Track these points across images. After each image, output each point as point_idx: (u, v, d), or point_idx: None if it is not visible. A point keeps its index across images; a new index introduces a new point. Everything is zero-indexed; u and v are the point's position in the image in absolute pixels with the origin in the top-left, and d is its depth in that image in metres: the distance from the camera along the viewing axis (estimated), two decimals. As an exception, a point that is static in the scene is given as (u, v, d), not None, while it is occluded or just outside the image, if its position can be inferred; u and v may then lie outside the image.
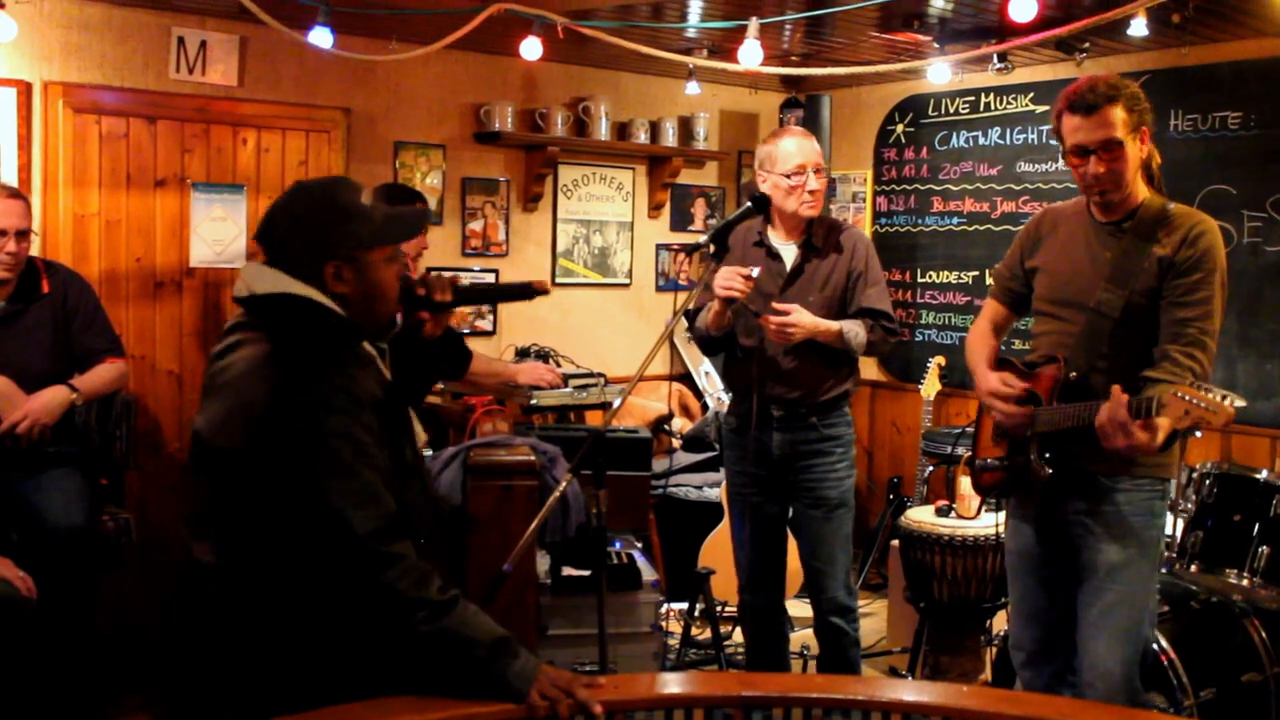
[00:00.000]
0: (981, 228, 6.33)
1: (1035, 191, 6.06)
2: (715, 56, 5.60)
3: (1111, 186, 3.05)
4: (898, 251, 6.70)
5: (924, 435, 5.84)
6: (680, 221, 6.98)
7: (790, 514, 4.15)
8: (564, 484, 3.14)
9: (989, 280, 6.11)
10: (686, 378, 6.86)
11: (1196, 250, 3.00)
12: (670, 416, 6.38)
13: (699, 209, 7.04)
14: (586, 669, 2.88)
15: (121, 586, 4.69)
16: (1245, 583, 4.02)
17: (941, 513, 4.84)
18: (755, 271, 3.84)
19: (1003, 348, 3.48)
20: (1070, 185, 5.80)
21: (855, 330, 3.91)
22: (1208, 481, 4.16)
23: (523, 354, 5.81)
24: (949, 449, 5.63)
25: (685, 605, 5.07)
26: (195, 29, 5.15)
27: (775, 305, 3.85)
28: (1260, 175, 5.20)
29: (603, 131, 6.35)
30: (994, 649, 4.26)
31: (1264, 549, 4.00)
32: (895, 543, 5.11)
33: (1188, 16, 4.69)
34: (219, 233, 5.30)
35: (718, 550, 5.43)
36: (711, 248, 3.72)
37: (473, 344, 3.90)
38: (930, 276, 6.60)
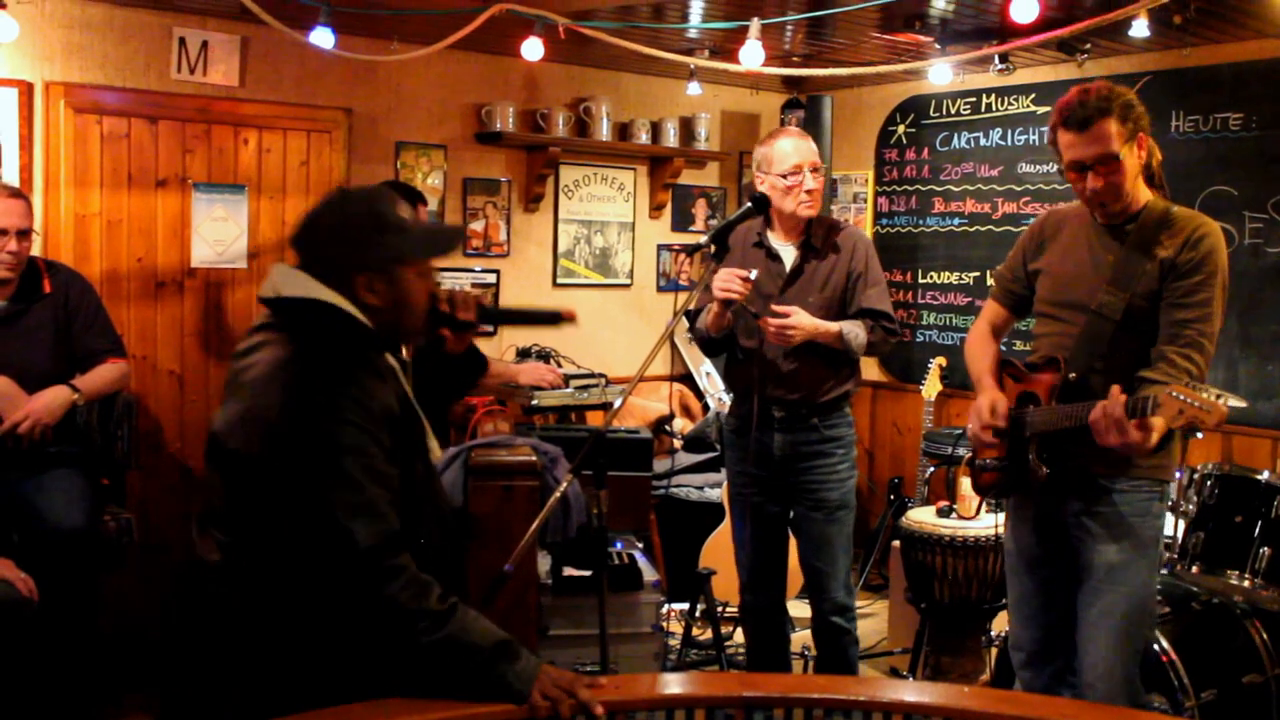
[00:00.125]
0: (983, 228, 6.33)
1: (1036, 192, 6.06)
2: (716, 57, 5.60)
3: (1110, 199, 3.05)
4: (899, 252, 6.70)
5: (925, 436, 5.84)
6: (681, 222, 6.98)
7: (791, 515, 4.15)
8: (565, 484, 3.14)
9: (990, 281, 6.11)
10: (687, 378, 6.86)
11: (1198, 253, 2.99)
12: (671, 417, 6.38)
13: (700, 209, 7.05)
14: (587, 669, 2.88)
15: (122, 587, 4.70)
16: (1246, 584, 4.02)
17: (942, 514, 4.84)
18: (753, 273, 3.84)
19: (1003, 348, 3.48)
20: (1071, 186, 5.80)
21: (855, 331, 3.91)
22: (1209, 483, 4.16)
23: (524, 354, 5.82)
24: (950, 450, 5.63)
25: (686, 606, 5.07)
26: (197, 29, 5.15)
27: (774, 307, 3.85)
28: (1261, 176, 5.20)
29: (604, 132, 6.35)
30: (995, 650, 4.26)
31: (1265, 550, 4.00)
32: (896, 543, 5.11)
33: (1189, 18, 4.69)
34: (220, 233, 5.30)
35: (719, 551, 5.43)
36: (712, 248, 3.72)
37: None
38: (931, 277, 6.60)
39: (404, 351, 2.62)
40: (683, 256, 6.89)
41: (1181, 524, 4.21)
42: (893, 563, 5.32)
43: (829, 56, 5.87)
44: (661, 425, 6.30)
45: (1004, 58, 5.43)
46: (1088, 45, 5.40)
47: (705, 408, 6.69)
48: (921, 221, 6.64)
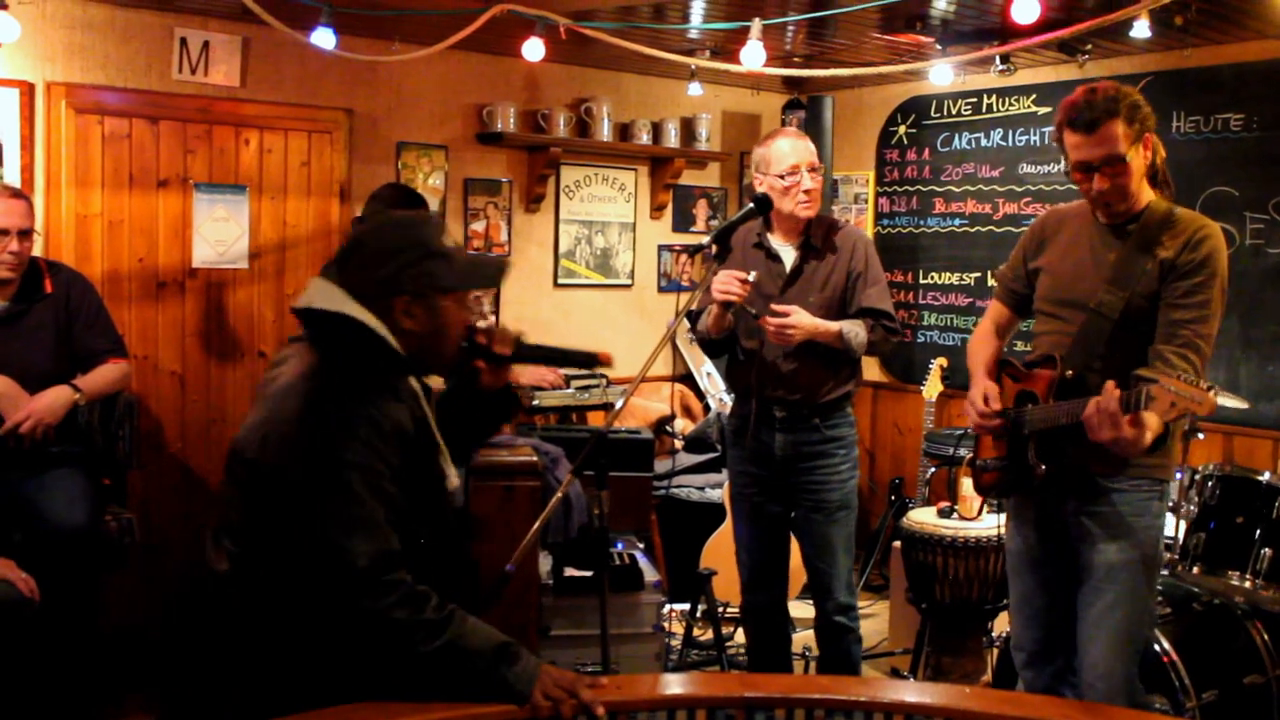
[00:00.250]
0: (983, 229, 6.33)
1: (1037, 193, 6.06)
2: (717, 58, 5.60)
3: (1117, 199, 3.05)
4: (900, 253, 6.70)
5: (926, 436, 5.84)
6: (682, 222, 6.98)
7: (793, 515, 4.15)
8: (566, 484, 3.15)
9: (991, 281, 6.11)
10: (688, 379, 6.86)
11: (1198, 254, 3.00)
12: (672, 417, 6.39)
13: (701, 210, 7.05)
14: (589, 669, 2.89)
15: (123, 587, 4.70)
16: (1247, 585, 4.02)
17: (944, 514, 4.84)
18: (752, 275, 3.84)
19: (1005, 348, 3.49)
20: (1072, 187, 5.76)
21: (855, 330, 3.91)
22: (1210, 483, 4.16)
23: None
24: (951, 450, 5.63)
25: (687, 606, 5.07)
26: (198, 30, 5.15)
27: (774, 307, 3.85)
28: (1262, 177, 5.20)
29: (605, 132, 6.36)
30: (996, 650, 4.26)
31: (1266, 551, 3.99)
32: (897, 544, 5.11)
33: (1190, 19, 4.69)
34: (221, 233, 5.30)
35: (720, 551, 5.43)
36: (714, 249, 3.73)
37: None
38: (932, 278, 6.60)
39: (435, 381, 2.61)
40: (684, 257, 6.90)
41: (1183, 525, 4.21)
42: (894, 563, 5.32)
43: (830, 57, 5.87)
44: (662, 426, 6.30)
45: (1005, 58, 5.43)
46: (1089, 46, 5.40)
47: (706, 408, 6.69)
48: (922, 222, 6.64)
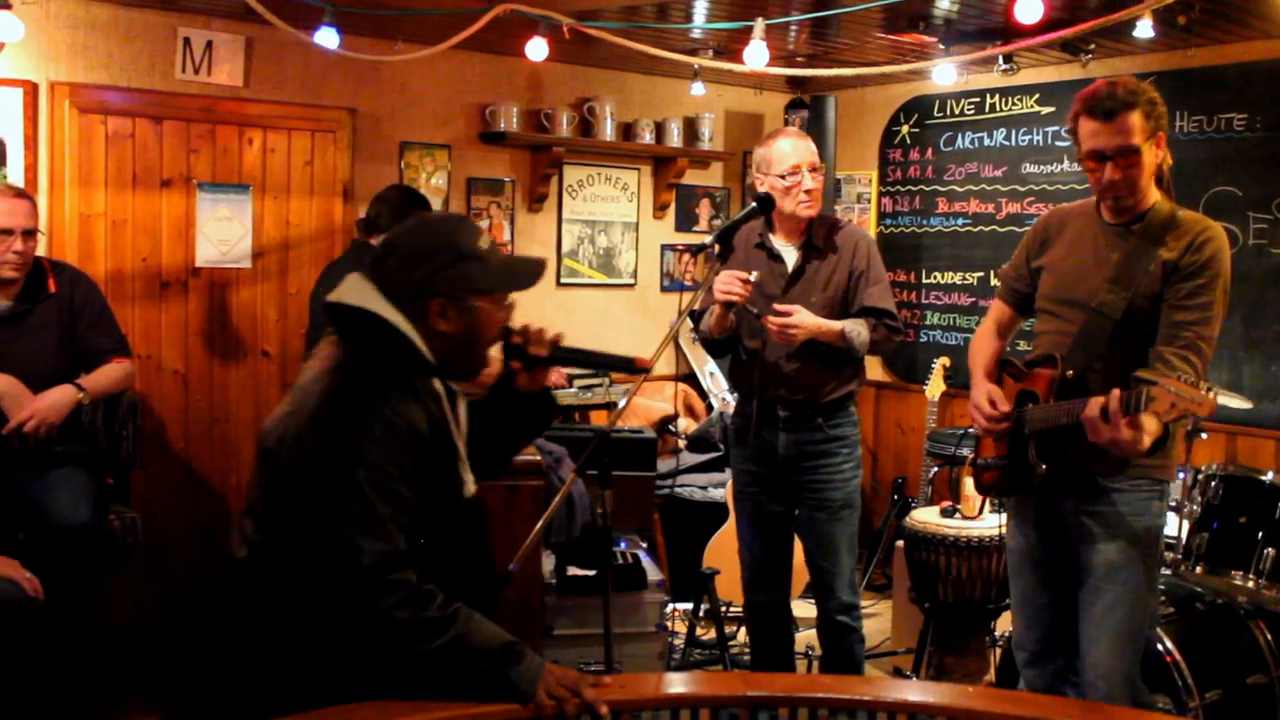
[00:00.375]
0: (986, 229, 6.33)
1: (1040, 193, 6.05)
2: (721, 57, 5.60)
3: (1126, 192, 3.05)
4: (902, 252, 6.70)
5: (929, 436, 5.83)
6: (685, 222, 6.98)
7: (796, 514, 4.15)
8: (570, 484, 3.15)
9: (994, 281, 6.11)
10: (691, 378, 6.86)
11: (1201, 256, 3.00)
12: (675, 417, 6.39)
13: (704, 209, 7.05)
14: (592, 669, 2.89)
15: (126, 586, 4.70)
16: (1250, 584, 4.01)
17: (946, 514, 4.84)
18: (754, 275, 3.85)
19: (1008, 348, 3.49)
20: (1075, 186, 5.81)
21: (858, 330, 3.91)
22: (1213, 483, 4.16)
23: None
24: (953, 450, 5.63)
25: (690, 605, 5.07)
26: (201, 29, 5.16)
27: (777, 307, 3.85)
28: (1266, 177, 5.20)
29: (608, 132, 6.36)
30: (999, 650, 4.26)
31: (1269, 551, 3.99)
32: (900, 543, 5.11)
33: (1194, 18, 4.68)
34: (225, 233, 5.31)
35: (722, 550, 5.43)
36: (716, 248, 3.73)
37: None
38: (935, 277, 6.60)
39: (471, 386, 2.59)
40: (686, 256, 6.90)
41: (1186, 524, 4.20)
42: (896, 563, 5.32)
43: (833, 57, 5.87)
44: (665, 425, 6.31)
45: (1008, 58, 5.43)
46: (1092, 46, 5.39)
47: (709, 407, 6.69)
48: (925, 222, 6.63)
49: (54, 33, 4.84)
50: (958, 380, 5.87)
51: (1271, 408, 5.16)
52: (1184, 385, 2.67)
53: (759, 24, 4.47)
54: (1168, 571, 4.13)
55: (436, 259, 2.36)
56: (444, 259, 2.36)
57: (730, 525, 5.43)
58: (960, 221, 6.46)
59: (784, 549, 4.21)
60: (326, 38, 4.61)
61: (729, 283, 3.82)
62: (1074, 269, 3.20)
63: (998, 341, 3.47)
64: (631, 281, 6.78)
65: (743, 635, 4.99)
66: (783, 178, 3.91)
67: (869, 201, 6.90)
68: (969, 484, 4.69)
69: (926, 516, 4.88)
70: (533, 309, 6.22)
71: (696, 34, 5.43)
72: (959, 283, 6.48)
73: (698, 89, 5.88)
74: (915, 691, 2.66)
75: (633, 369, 2.73)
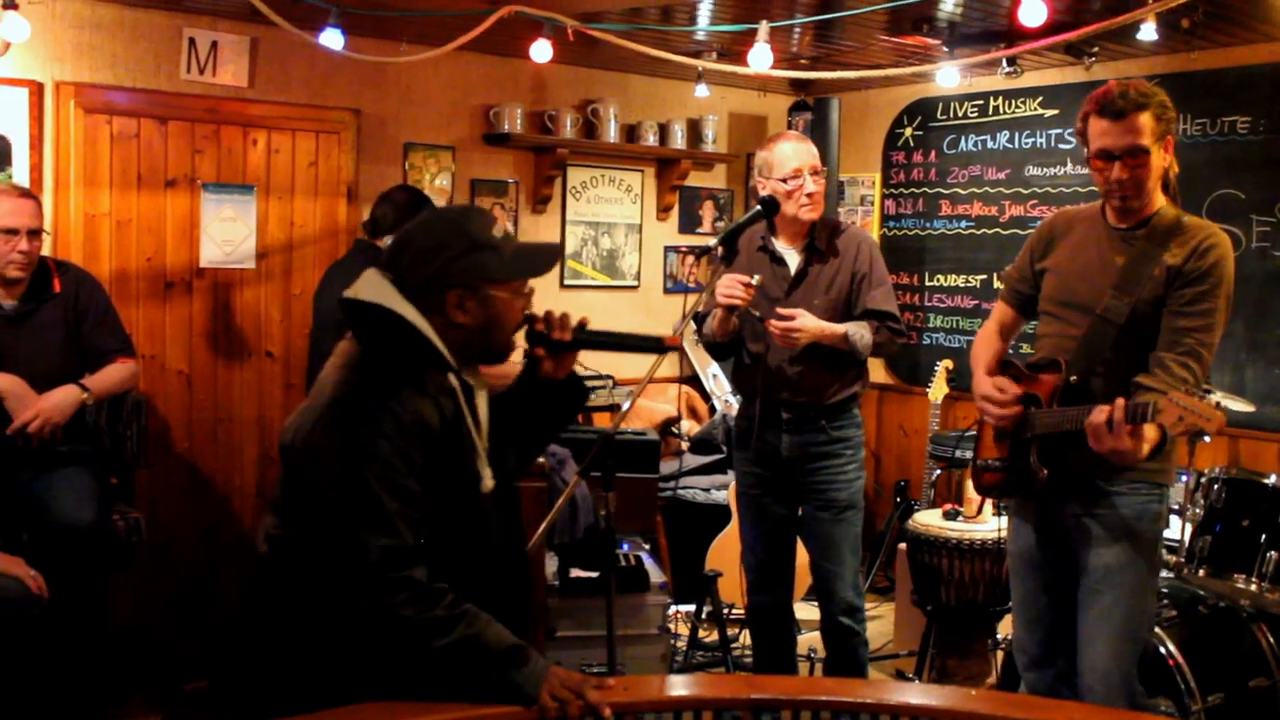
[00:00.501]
0: (989, 231, 6.33)
1: (1044, 195, 6.05)
2: (724, 59, 5.61)
3: (1133, 193, 3.06)
4: (905, 255, 6.70)
5: (931, 439, 5.84)
6: (689, 224, 6.99)
7: (799, 515, 4.15)
8: (573, 486, 3.15)
9: (997, 284, 6.11)
10: (694, 380, 6.86)
11: (1205, 262, 3.01)
12: (678, 419, 6.39)
13: (707, 211, 7.05)
14: (594, 670, 2.89)
15: (128, 586, 4.71)
16: (1253, 588, 4.01)
17: (949, 516, 4.84)
18: (756, 279, 3.85)
19: (1010, 350, 3.49)
20: (1078, 189, 5.81)
21: (861, 332, 3.91)
22: (1216, 486, 4.16)
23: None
24: (956, 452, 5.63)
25: (692, 607, 5.07)
26: (206, 30, 5.16)
27: (780, 310, 3.85)
28: (1268, 180, 5.20)
29: (611, 134, 6.36)
30: (1001, 653, 4.26)
31: (1272, 554, 3.99)
32: (902, 546, 5.11)
33: (1197, 21, 4.68)
34: (229, 233, 5.31)
35: (725, 552, 5.44)
36: (720, 251, 3.74)
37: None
38: (938, 280, 6.60)
39: (496, 382, 2.58)
40: (690, 258, 6.90)
41: (1188, 527, 4.20)
42: (899, 565, 5.32)
43: (837, 59, 5.87)
44: (668, 427, 6.31)
45: (1011, 61, 5.43)
46: (1095, 49, 5.39)
47: (712, 409, 6.69)
48: (928, 224, 6.64)
49: (60, 33, 4.84)
50: (960, 383, 5.88)
51: (1274, 411, 5.16)
52: (1194, 400, 2.68)
53: (763, 26, 4.48)
54: (1170, 574, 4.13)
55: (450, 250, 2.35)
56: (458, 250, 2.35)
57: (733, 527, 5.43)
58: (963, 224, 6.46)
59: (787, 551, 4.22)
60: (331, 39, 4.62)
61: (731, 287, 3.82)
62: (1078, 272, 3.21)
63: (999, 343, 3.47)
64: (635, 283, 6.78)
65: (745, 638, 4.99)
66: (784, 181, 3.92)
67: (872, 204, 6.90)
68: (971, 486, 4.69)
69: (929, 519, 4.88)
70: (536, 310, 6.22)
71: (700, 36, 5.43)
72: (962, 285, 6.48)
73: (702, 91, 5.89)
74: (917, 694, 2.66)
75: (662, 347, 2.70)
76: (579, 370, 2.72)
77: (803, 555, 4.21)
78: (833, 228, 4.07)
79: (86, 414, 4.11)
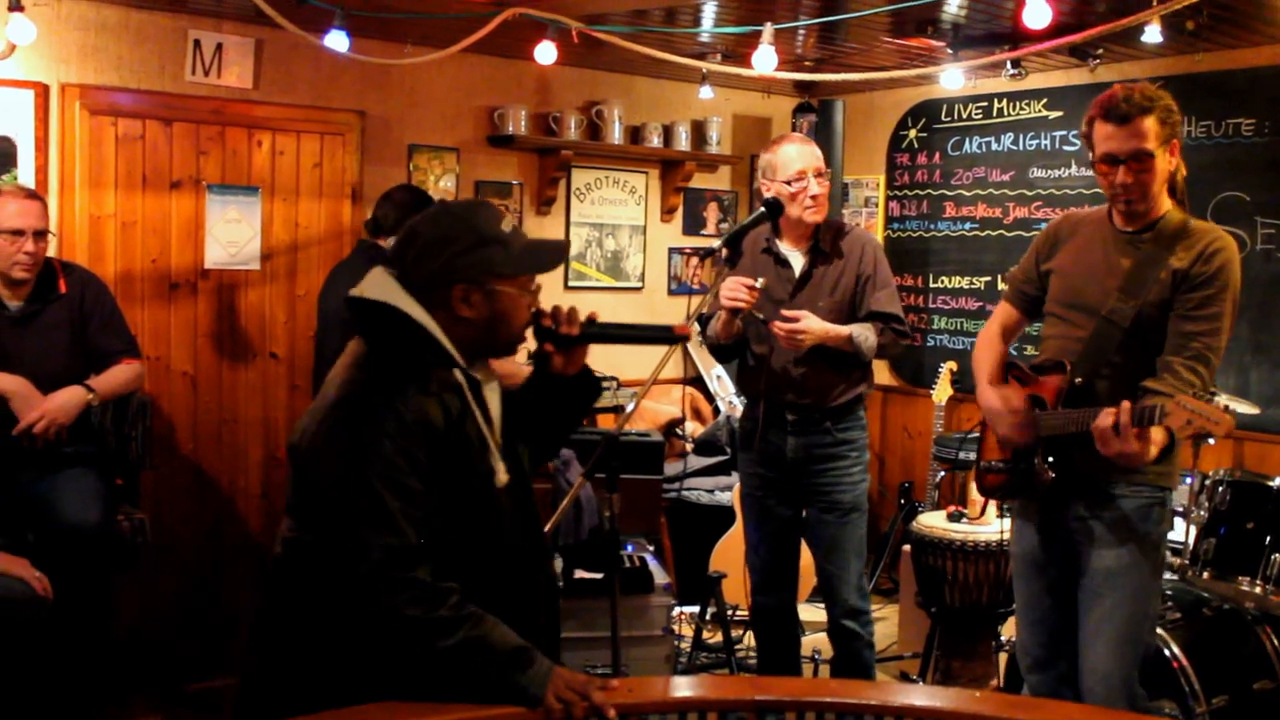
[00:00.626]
0: (994, 233, 6.33)
1: (1048, 197, 6.05)
2: (729, 61, 5.61)
3: (1138, 197, 3.06)
4: (910, 257, 6.70)
5: (935, 440, 5.84)
6: (693, 225, 6.99)
7: (804, 517, 4.16)
8: (577, 487, 3.16)
9: (1001, 285, 6.11)
10: (698, 381, 6.86)
11: (1211, 266, 3.01)
12: (682, 420, 6.39)
13: (711, 213, 7.05)
14: (599, 672, 2.89)
15: (132, 587, 4.71)
16: (1258, 590, 4.01)
17: (953, 518, 4.84)
18: (760, 281, 3.85)
19: (1013, 351, 3.49)
20: (1083, 191, 5.81)
21: (865, 334, 3.91)
22: (1220, 488, 4.16)
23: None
24: (960, 454, 5.63)
25: (697, 609, 5.07)
26: (211, 32, 5.17)
27: (784, 312, 3.86)
28: (1274, 182, 5.19)
29: (616, 135, 6.37)
30: (1005, 654, 4.26)
31: (1276, 556, 3.99)
32: (907, 548, 5.11)
33: (1201, 23, 4.68)
34: (234, 234, 5.32)
35: (729, 554, 5.44)
36: (725, 253, 3.74)
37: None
38: (942, 282, 6.60)
39: (507, 380, 2.57)
40: (694, 260, 6.90)
41: (1193, 530, 4.20)
42: (903, 567, 5.32)
43: (841, 61, 5.88)
44: (672, 428, 6.31)
45: (1016, 63, 5.43)
46: (1100, 51, 5.39)
47: (716, 411, 6.69)
48: (933, 226, 6.64)
49: (65, 35, 4.85)
50: (964, 384, 5.87)
51: (1279, 413, 5.15)
52: (1201, 403, 2.68)
53: (767, 28, 4.48)
54: (1174, 577, 4.13)
55: (457, 244, 2.34)
56: (464, 244, 2.34)
57: (737, 529, 5.44)
58: (967, 226, 6.46)
59: (791, 553, 4.22)
60: (336, 41, 4.63)
61: (734, 289, 3.83)
62: (1084, 274, 3.21)
63: (1001, 346, 3.47)
64: (639, 285, 6.79)
65: (749, 639, 4.99)
66: (788, 183, 3.92)
67: (876, 206, 6.90)
68: (975, 488, 4.69)
69: (933, 521, 4.88)
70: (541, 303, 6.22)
71: (705, 38, 5.44)
72: (966, 287, 6.48)
73: (706, 93, 5.89)
74: (922, 696, 2.66)
75: (672, 337, 2.66)
76: (586, 370, 2.70)
77: (807, 556, 4.22)
78: (837, 229, 4.07)
79: (92, 415, 4.12)
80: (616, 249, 6.67)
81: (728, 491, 5.84)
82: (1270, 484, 4.10)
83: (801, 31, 5.16)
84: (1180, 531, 4.14)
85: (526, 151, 6.24)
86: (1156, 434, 2.85)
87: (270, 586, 2.43)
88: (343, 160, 5.60)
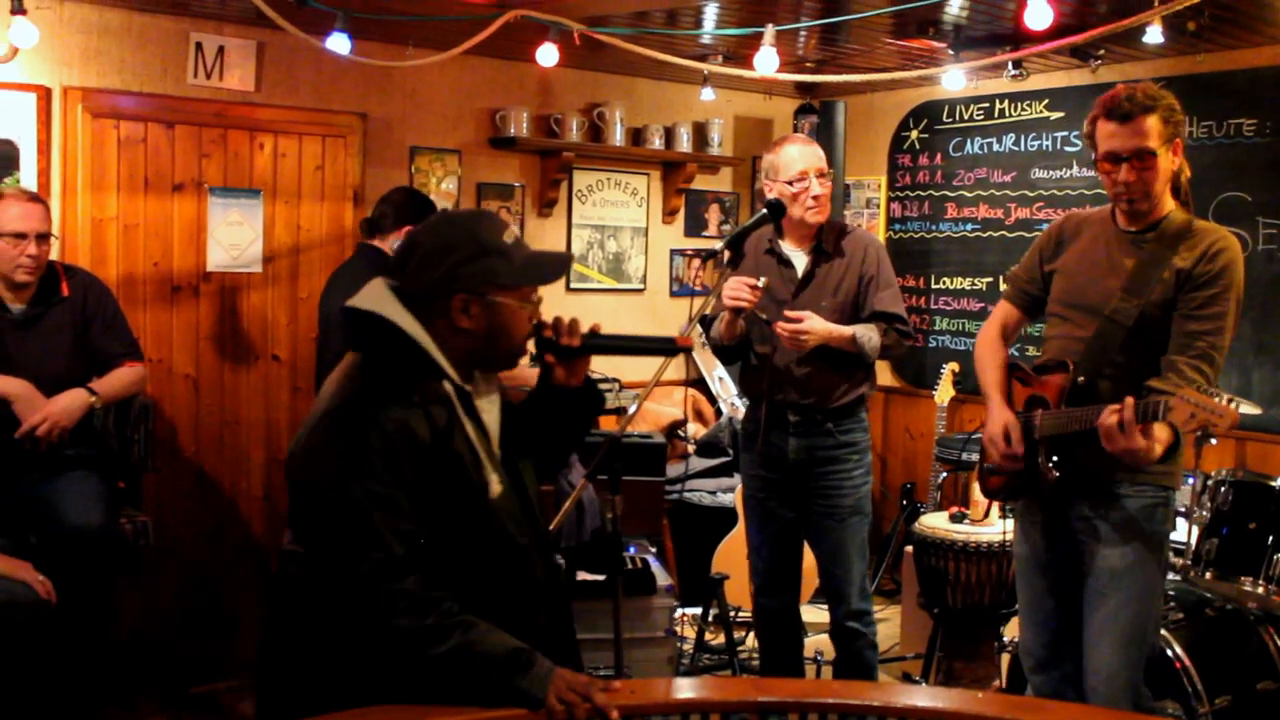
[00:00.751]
0: (995, 234, 6.33)
1: (1049, 198, 6.05)
2: (730, 63, 5.61)
3: (1140, 195, 3.06)
4: (912, 258, 6.70)
5: (938, 441, 5.84)
6: (694, 227, 6.99)
7: (806, 519, 4.15)
8: (580, 489, 3.16)
9: (1003, 286, 6.11)
10: (700, 383, 6.87)
11: (1214, 266, 3.01)
12: (684, 422, 6.39)
13: (713, 214, 7.06)
14: (601, 673, 2.89)
15: (134, 589, 4.72)
16: (1260, 590, 4.01)
17: (955, 519, 4.84)
18: (762, 281, 3.85)
19: (1014, 352, 3.49)
20: (1084, 192, 5.81)
21: (868, 335, 3.92)
22: (1223, 489, 4.15)
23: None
24: (962, 455, 5.63)
25: (699, 610, 5.07)
26: (213, 34, 5.17)
27: (787, 312, 3.86)
28: (1275, 183, 5.19)
29: (618, 137, 6.37)
30: (1008, 655, 4.26)
31: (1279, 556, 3.99)
32: (909, 549, 5.11)
33: (1203, 24, 4.68)
34: (236, 237, 5.32)
35: (731, 555, 5.44)
36: (727, 254, 3.74)
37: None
38: (944, 283, 6.60)
39: (523, 374, 2.55)
40: (696, 262, 6.90)
41: (1195, 530, 4.19)
42: (905, 568, 5.32)
43: (843, 62, 5.88)
44: (674, 430, 6.31)
45: (1017, 64, 5.43)
46: (1101, 51, 5.39)
47: (718, 412, 6.69)
48: (934, 227, 6.64)
49: (67, 38, 4.86)
50: (966, 385, 5.88)
51: (1282, 413, 5.15)
52: (1205, 397, 2.68)
53: (769, 30, 4.49)
54: (1177, 577, 4.13)
55: (457, 254, 2.32)
56: (465, 254, 2.32)
57: (739, 530, 5.44)
58: (969, 227, 6.46)
59: (793, 554, 4.22)
60: (338, 43, 4.62)
61: (737, 289, 3.83)
62: (1087, 274, 3.21)
63: (1003, 350, 3.47)
64: (641, 286, 6.79)
65: (751, 640, 4.99)
66: (790, 184, 3.92)
67: (878, 207, 6.90)
68: (977, 489, 4.69)
69: (935, 522, 4.88)
70: (544, 316, 6.22)
71: (706, 39, 5.44)
72: (968, 288, 6.48)
73: (707, 94, 5.89)
74: (924, 697, 2.66)
75: (674, 348, 2.65)
76: (586, 373, 2.69)
77: (809, 557, 4.21)
78: (839, 230, 4.07)
79: (94, 418, 4.12)
80: (618, 251, 6.68)
81: (730, 493, 5.84)
82: (1273, 484, 4.10)
83: (803, 33, 5.17)
84: (1183, 532, 4.13)
85: (528, 153, 6.24)
86: (1161, 432, 2.85)
87: (274, 599, 2.44)
88: (344, 162, 5.60)
